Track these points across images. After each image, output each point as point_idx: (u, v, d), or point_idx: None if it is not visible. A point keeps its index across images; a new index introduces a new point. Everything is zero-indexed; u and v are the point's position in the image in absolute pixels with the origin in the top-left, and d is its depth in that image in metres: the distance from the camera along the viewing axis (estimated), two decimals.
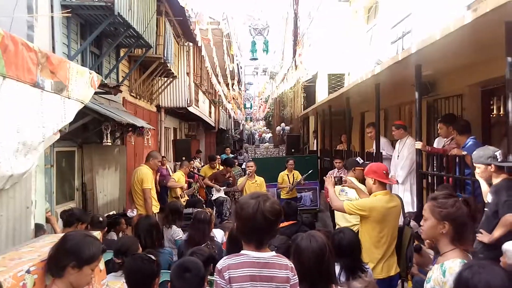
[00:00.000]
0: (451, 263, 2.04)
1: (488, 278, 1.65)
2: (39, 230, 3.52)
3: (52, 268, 2.12)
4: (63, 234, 2.20)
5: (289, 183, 8.37)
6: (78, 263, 2.08)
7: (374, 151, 6.61)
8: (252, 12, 16.05)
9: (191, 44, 13.23)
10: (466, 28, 3.48)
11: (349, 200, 4.63)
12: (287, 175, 8.45)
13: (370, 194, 3.87)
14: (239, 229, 2.05)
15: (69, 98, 3.39)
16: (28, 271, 2.03)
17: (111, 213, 6.76)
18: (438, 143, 5.44)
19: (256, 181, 7.79)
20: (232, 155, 14.97)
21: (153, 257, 2.65)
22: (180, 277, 2.44)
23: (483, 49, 4.49)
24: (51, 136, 3.24)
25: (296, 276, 2.06)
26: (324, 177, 4.25)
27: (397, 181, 5.32)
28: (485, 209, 3.28)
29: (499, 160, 3.24)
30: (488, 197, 3.24)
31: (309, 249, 2.30)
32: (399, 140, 6.05)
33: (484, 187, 3.38)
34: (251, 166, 7.90)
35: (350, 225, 4.62)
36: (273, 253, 2.05)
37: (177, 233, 4.79)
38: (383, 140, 6.82)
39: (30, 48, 2.85)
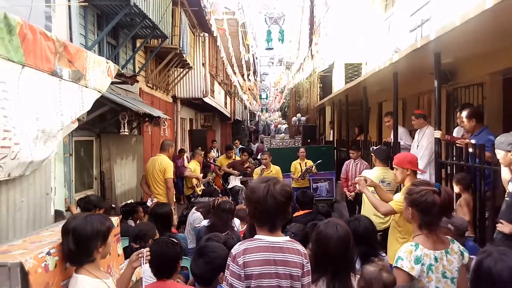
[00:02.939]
0: (404, 245, 2.34)
1: (511, 264, 1.62)
2: (58, 216, 3.60)
3: (80, 259, 2.14)
4: (64, 227, 2.19)
5: (300, 171, 8.34)
6: (103, 240, 2.17)
7: (392, 140, 6.53)
8: (267, 0, 15.90)
9: (206, 34, 13.25)
10: (487, 14, 3.37)
11: (391, 191, 4.54)
12: (300, 163, 8.43)
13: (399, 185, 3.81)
14: (251, 213, 2.05)
15: (86, 87, 3.44)
16: (48, 253, 2.07)
17: (128, 201, 6.87)
18: (457, 133, 5.33)
19: (271, 171, 7.76)
20: (242, 146, 14.93)
21: (175, 240, 2.69)
22: (199, 260, 2.48)
23: (505, 35, 4.36)
24: (69, 124, 3.30)
25: (309, 262, 2.06)
26: (356, 179, 4.00)
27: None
28: (505, 198, 3.21)
29: None
30: (509, 186, 3.17)
31: (336, 236, 2.29)
32: (418, 130, 5.95)
33: (505, 174, 3.30)
34: (265, 158, 7.86)
35: (379, 221, 4.55)
36: (287, 237, 2.05)
37: (198, 220, 4.84)
38: (401, 130, 6.73)
39: (48, 37, 2.89)
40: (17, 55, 2.56)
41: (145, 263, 2.43)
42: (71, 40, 5.56)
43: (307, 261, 2.02)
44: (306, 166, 8.41)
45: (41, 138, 2.87)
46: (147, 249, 2.48)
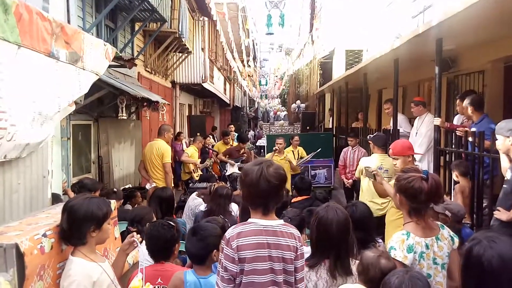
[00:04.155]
0: (395, 234, 2.32)
1: (501, 251, 1.61)
2: (56, 200, 3.58)
3: (71, 240, 2.15)
4: (64, 205, 2.20)
5: (294, 159, 8.33)
6: (98, 225, 2.14)
7: (392, 128, 6.51)
8: None
9: (206, 19, 13.10)
10: None
11: (389, 178, 4.54)
12: (292, 151, 8.42)
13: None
14: (245, 195, 2.04)
15: (84, 69, 3.39)
16: (44, 235, 2.07)
17: (127, 186, 6.87)
18: (457, 120, 5.31)
19: (285, 157, 7.63)
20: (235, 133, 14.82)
21: (172, 223, 2.69)
22: (192, 238, 2.49)
23: (507, 22, 4.31)
24: (66, 107, 3.26)
25: (303, 246, 2.06)
26: (371, 171, 3.86)
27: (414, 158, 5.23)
28: (503, 185, 3.21)
29: None
30: (507, 174, 3.16)
31: (336, 220, 2.31)
32: (417, 117, 5.93)
33: (504, 162, 3.30)
34: (280, 143, 7.70)
35: (376, 207, 4.55)
36: (281, 221, 2.04)
37: (200, 208, 4.84)
38: (400, 117, 6.70)
39: (44, 18, 2.83)
40: (12, 35, 2.51)
41: (139, 245, 2.43)
42: (68, 22, 5.47)
43: (300, 244, 2.02)
44: (298, 153, 8.39)
45: (37, 120, 2.84)
46: (134, 233, 2.47)
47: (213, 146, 10.40)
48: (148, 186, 5.90)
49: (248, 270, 1.91)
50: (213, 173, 8.81)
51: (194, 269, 2.47)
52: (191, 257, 2.56)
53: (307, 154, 8.53)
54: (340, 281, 2.30)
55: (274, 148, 7.67)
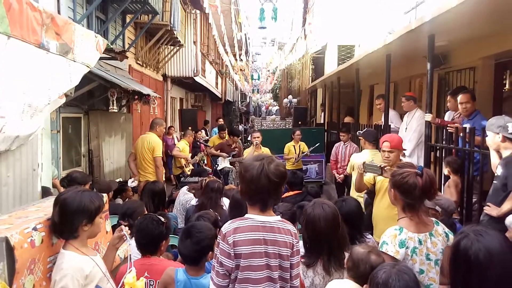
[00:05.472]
0: (388, 229, 2.33)
1: (487, 244, 1.62)
2: (45, 193, 3.54)
3: (63, 233, 2.13)
4: (56, 198, 2.18)
5: (296, 154, 8.35)
6: (90, 219, 2.12)
7: (383, 123, 6.54)
8: None
9: (198, 11, 13.00)
10: None
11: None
12: (294, 146, 8.43)
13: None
14: (243, 191, 2.00)
15: (74, 61, 3.35)
16: (35, 229, 2.04)
17: (117, 180, 6.81)
18: (448, 117, 5.36)
19: (262, 152, 7.63)
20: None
21: (162, 219, 2.66)
22: (186, 240, 2.46)
23: (499, 19, 4.34)
24: (56, 99, 3.22)
25: (299, 242, 2.05)
26: (380, 165, 3.66)
27: (404, 153, 5.26)
28: (493, 181, 3.24)
29: (510, 132, 3.17)
30: (497, 170, 3.19)
31: (324, 215, 2.32)
32: (407, 113, 5.96)
33: (494, 158, 3.33)
34: (257, 137, 7.71)
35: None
36: (278, 217, 2.02)
37: (191, 202, 4.81)
38: (392, 113, 6.73)
39: (34, 8, 2.79)
40: (2, 25, 2.46)
41: (128, 239, 2.40)
42: (59, 13, 5.39)
43: (297, 241, 2.01)
44: (300, 148, 8.40)
45: (27, 112, 2.79)
46: (123, 227, 2.44)
47: (206, 140, 10.36)
48: (130, 183, 5.87)
49: (244, 266, 1.88)
50: (206, 167, 8.77)
51: (186, 269, 2.43)
52: (184, 258, 2.52)
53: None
54: (336, 276, 2.31)
55: (255, 143, 7.62)
